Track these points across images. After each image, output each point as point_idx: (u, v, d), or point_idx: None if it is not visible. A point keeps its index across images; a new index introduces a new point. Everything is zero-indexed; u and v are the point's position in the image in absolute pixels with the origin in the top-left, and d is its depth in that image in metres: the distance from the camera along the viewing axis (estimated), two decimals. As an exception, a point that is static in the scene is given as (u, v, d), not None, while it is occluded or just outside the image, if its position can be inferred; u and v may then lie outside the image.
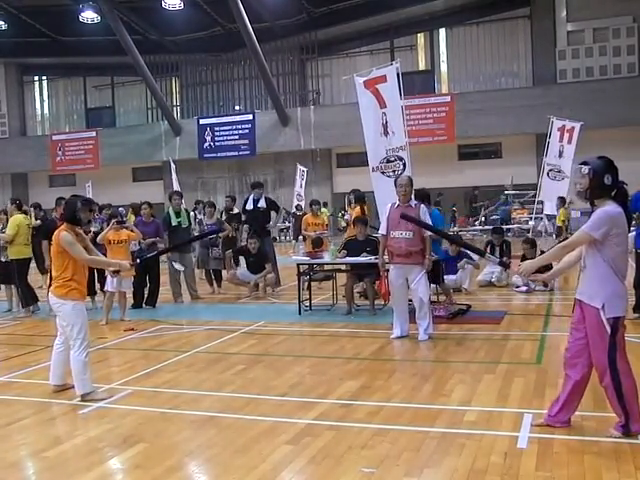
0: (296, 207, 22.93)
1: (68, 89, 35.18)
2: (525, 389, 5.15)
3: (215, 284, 12.00)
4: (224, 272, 11.95)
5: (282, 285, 12.06)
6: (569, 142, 15.46)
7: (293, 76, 30.79)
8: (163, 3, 26.82)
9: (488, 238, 13.40)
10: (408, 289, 7.33)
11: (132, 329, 8.46)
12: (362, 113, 9.04)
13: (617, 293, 3.98)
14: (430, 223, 7.13)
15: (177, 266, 10.62)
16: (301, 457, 3.94)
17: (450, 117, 25.85)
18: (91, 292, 9.73)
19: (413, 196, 7.49)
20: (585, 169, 3.99)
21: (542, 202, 18.06)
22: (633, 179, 6.53)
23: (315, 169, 28.23)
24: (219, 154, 29.69)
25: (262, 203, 11.70)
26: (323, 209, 19.41)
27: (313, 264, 9.88)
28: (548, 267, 5.30)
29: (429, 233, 7.04)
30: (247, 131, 29.04)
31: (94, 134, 31.88)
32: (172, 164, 21.60)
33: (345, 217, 15.51)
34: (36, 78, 35.66)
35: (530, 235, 15.30)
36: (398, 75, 8.69)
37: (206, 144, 29.66)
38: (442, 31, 28.93)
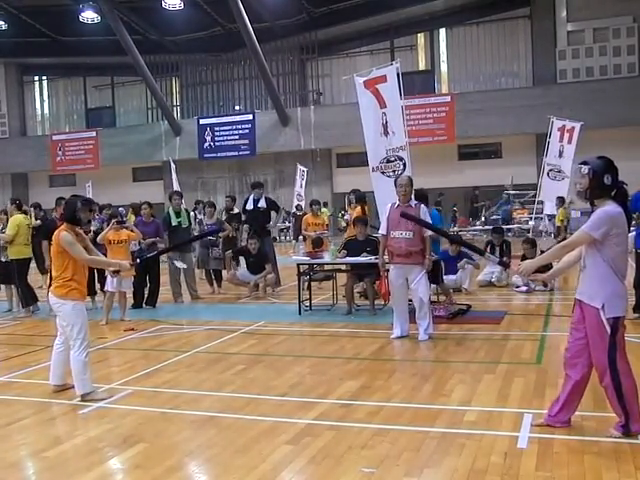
0: (296, 207, 22.92)
1: (68, 89, 35.18)
2: (525, 389, 5.15)
3: (215, 284, 12.00)
4: (224, 272, 11.95)
5: (282, 285, 12.06)
6: (569, 142, 15.46)
7: (293, 76, 30.77)
8: (163, 3, 26.81)
9: (488, 238, 13.40)
10: (408, 289, 7.34)
11: (132, 329, 8.46)
12: (362, 113, 9.03)
13: (617, 293, 3.98)
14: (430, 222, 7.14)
15: (179, 264, 10.58)
16: (301, 457, 3.95)
17: (450, 117, 25.83)
18: (91, 292, 9.73)
19: (413, 196, 7.49)
20: (585, 169, 3.99)
21: (542, 202, 18.07)
22: (633, 179, 6.52)
23: (315, 169, 28.22)
24: (219, 154, 29.67)
25: (262, 203, 11.71)
26: (323, 209, 19.43)
27: (313, 264, 9.88)
28: (548, 267, 5.31)
29: (429, 233, 7.05)
30: (247, 131, 29.03)
31: (94, 134, 31.86)
32: (172, 164, 21.58)
33: (345, 217, 15.48)
34: (36, 78, 35.66)
35: (530, 235, 15.30)
36: (398, 75, 8.68)
37: (206, 144, 29.65)
38: (442, 31, 28.93)
